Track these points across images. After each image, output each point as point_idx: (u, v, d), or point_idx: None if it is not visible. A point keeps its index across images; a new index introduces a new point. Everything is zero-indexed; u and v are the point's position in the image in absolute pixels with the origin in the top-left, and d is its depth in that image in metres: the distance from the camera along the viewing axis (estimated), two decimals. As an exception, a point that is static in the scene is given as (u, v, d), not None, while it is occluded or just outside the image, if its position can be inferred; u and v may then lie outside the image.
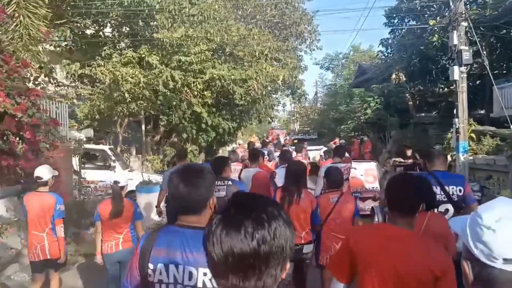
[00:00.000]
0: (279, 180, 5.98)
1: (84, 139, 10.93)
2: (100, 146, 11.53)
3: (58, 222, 4.65)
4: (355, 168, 9.75)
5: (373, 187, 9.56)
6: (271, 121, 21.14)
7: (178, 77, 11.42)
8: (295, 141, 21.31)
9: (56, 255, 4.64)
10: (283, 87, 15.23)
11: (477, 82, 19.42)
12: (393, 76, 19.62)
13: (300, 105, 15.04)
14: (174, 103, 13.13)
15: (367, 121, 19.08)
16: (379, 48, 21.61)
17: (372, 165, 10.04)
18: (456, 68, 10.15)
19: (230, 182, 4.91)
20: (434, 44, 17.00)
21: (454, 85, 20.26)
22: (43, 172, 4.68)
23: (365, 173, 9.74)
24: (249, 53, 14.27)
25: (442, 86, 20.26)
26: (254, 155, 7.09)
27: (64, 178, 8.50)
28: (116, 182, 4.67)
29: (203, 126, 14.97)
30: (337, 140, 18.04)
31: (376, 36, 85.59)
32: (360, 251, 2.14)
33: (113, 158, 10.61)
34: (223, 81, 13.06)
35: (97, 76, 11.04)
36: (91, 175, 10.41)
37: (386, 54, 21.09)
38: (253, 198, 1.17)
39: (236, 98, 13.14)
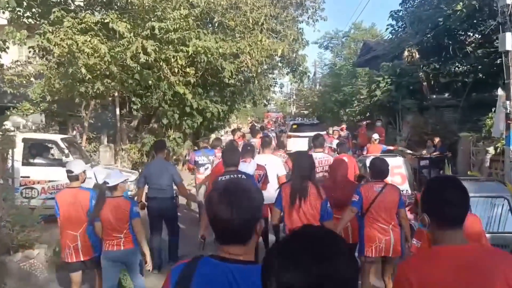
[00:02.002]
0: None
1: (32, 127, 8.63)
2: (50, 136, 9.19)
3: None
4: (376, 165, 7.56)
5: (402, 191, 7.35)
6: (266, 103, 18.76)
7: (151, 48, 9.08)
8: (294, 126, 19.10)
9: (90, 255, 4.45)
10: (281, 64, 12.92)
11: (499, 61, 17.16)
12: (405, 53, 17.28)
13: (302, 85, 12.73)
14: (150, 82, 10.82)
15: (375, 103, 16.79)
16: (388, 22, 19.18)
17: (399, 161, 7.76)
18: (509, 35, 7.76)
19: (243, 176, 4.49)
20: (457, 13, 14.71)
21: (479, 64, 18.08)
22: (74, 165, 4.58)
23: (391, 172, 7.49)
24: (241, 23, 11.93)
25: (459, 65, 17.99)
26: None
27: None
28: (105, 183, 4.35)
29: (188, 109, 12.70)
30: (344, 126, 15.71)
31: (379, 13, 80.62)
32: None
33: (66, 151, 8.31)
34: (209, 55, 10.75)
35: (47, 46, 8.68)
36: (38, 173, 8.16)
37: (397, 29, 18.68)
38: (315, 230, 1.13)
39: (226, 76, 10.84)
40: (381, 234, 4.37)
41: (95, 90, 10.04)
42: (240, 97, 15.92)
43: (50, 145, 8.76)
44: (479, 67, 17.76)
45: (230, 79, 11.16)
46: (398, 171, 7.52)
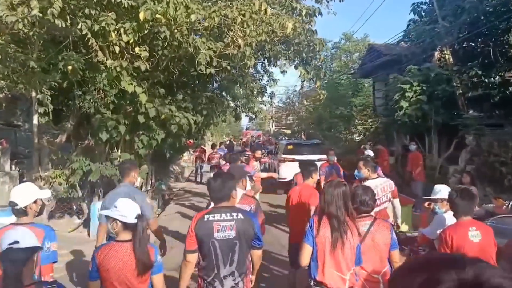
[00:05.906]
0: None
1: None
2: None
3: (46, 270, 3.02)
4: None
5: None
6: (253, 117, 14.21)
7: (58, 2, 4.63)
8: (290, 147, 14.79)
9: None
10: (287, 52, 8.67)
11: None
12: (436, 55, 13.36)
13: (319, 85, 8.75)
14: (71, 67, 6.33)
15: (400, 119, 12.66)
16: (410, 17, 15.27)
17: None
18: None
19: (240, 215, 3.23)
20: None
21: None
22: (18, 194, 3.07)
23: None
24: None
25: (501, 72, 14.16)
26: None
27: None
28: (140, 217, 2.90)
29: (142, 119, 8.16)
30: (368, 145, 11.42)
31: (374, 25, 74.60)
32: None
33: None
34: (173, 28, 6.42)
35: None
36: None
37: (421, 25, 14.73)
38: None
39: (201, 63, 6.43)
40: (370, 287, 3.33)
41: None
42: (221, 106, 11.43)
43: None
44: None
45: (208, 68, 6.72)
46: None
